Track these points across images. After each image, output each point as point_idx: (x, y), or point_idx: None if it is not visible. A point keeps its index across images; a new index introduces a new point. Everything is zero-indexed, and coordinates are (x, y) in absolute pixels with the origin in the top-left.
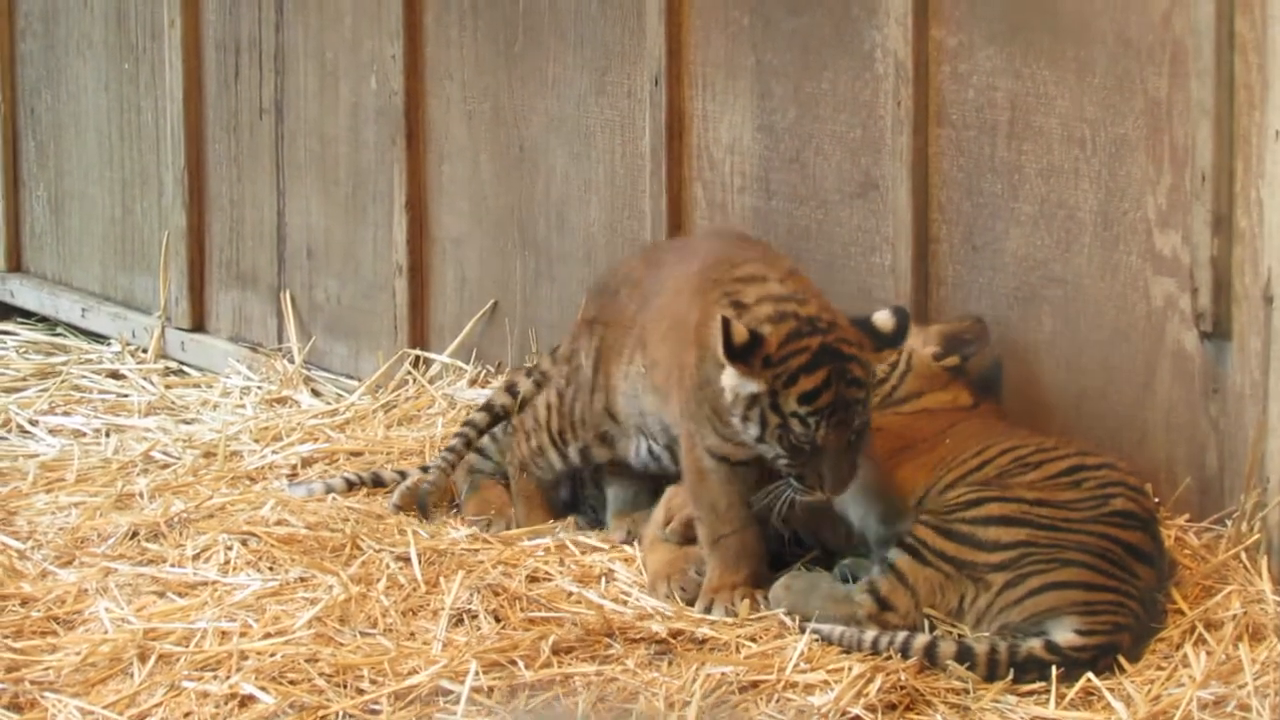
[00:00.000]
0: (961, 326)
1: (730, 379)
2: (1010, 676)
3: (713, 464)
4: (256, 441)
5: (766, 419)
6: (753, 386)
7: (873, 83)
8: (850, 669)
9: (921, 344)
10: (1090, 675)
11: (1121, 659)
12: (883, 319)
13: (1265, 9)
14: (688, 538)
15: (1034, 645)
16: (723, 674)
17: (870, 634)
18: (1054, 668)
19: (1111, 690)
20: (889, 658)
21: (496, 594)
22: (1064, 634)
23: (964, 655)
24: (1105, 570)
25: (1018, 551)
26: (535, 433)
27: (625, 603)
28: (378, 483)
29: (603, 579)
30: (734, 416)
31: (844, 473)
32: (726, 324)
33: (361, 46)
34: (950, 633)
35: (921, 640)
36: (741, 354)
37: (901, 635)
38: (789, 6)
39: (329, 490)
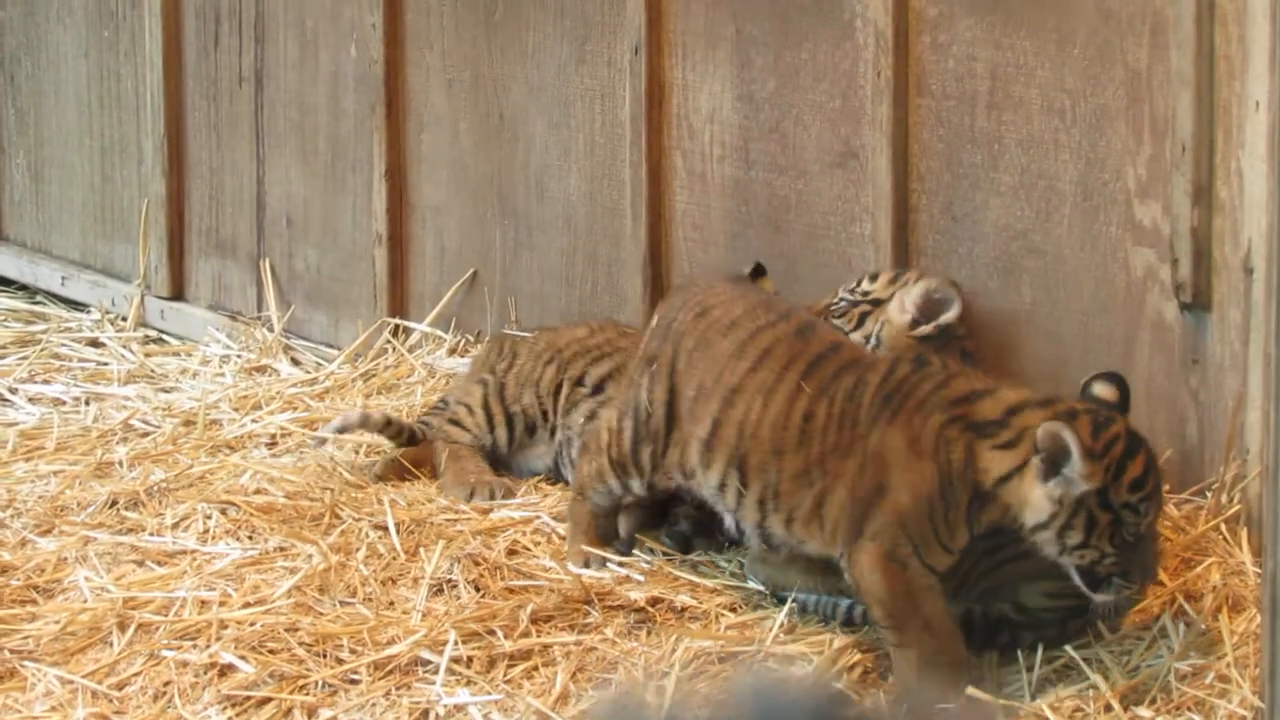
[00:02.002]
0: (938, 285)
1: (1054, 489)
2: (982, 640)
3: (930, 580)
4: (236, 410)
5: (1095, 519)
6: (1084, 486)
7: (853, 52)
8: (831, 641)
9: (898, 305)
10: (1067, 647)
11: (1101, 626)
12: (1105, 390)
13: None
14: None
15: (1004, 608)
16: (702, 645)
17: (845, 603)
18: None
19: (1088, 661)
20: (867, 630)
21: (476, 564)
22: (1034, 598)
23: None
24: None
25: None
26: (596, 456)
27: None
28: (411, 439)
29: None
30: (1045, 530)
31: (1157, 554)
32: (1076, 435)
33: (341, 14)
34: None
35: None
36: (1088, 457)
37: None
38: None
39: (363, 422)
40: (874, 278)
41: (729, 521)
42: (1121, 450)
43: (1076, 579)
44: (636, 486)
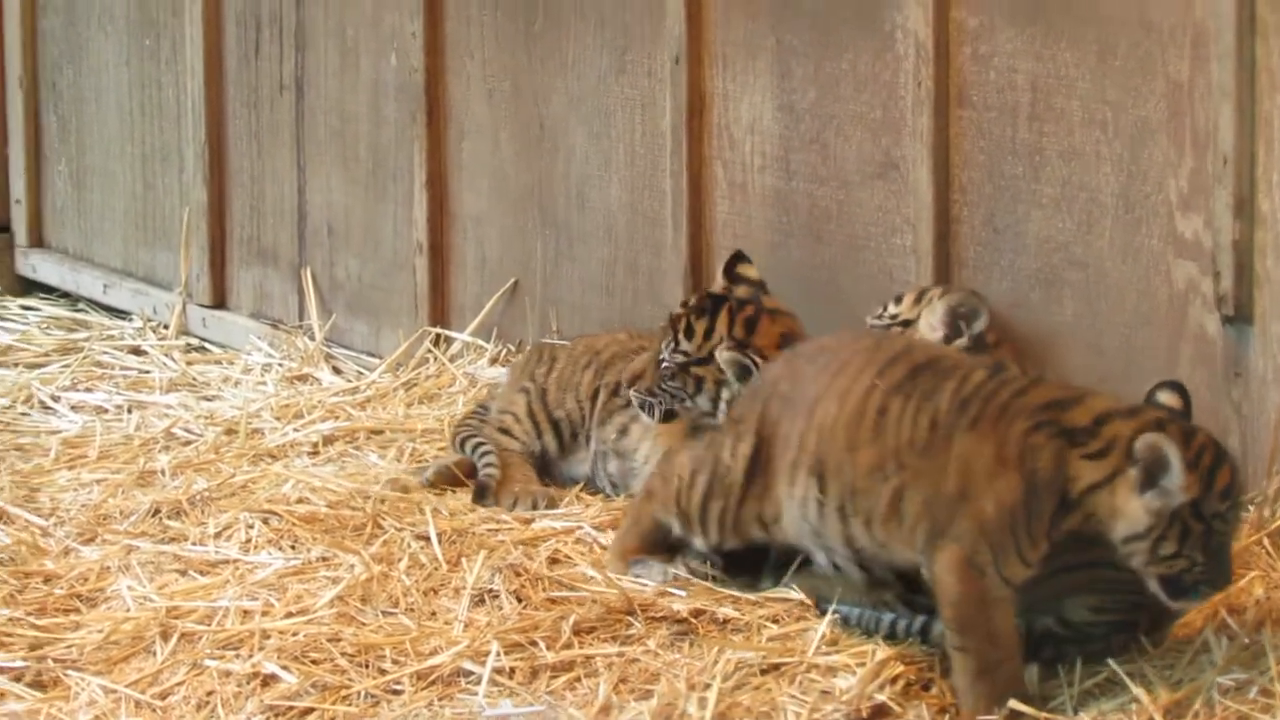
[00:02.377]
0: (963, 297)
1: (1152, 500)
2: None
3: (1005, 592)
4: (278, 419)
5: (1189, 529)
6: (1182, 498)
7: (893, 63)
8: (874, 653)
9: (927, 324)
10: (1110, 661)
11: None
12: (1170, 398)
13: None
14: None
15: (1047, 621)
16: (744, 657)
17: (888, 617)
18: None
19: (1131, 675)
20: (910, 642)
21: (518, 574)
22: (1079, 612)
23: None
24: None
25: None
26: (665, 501)
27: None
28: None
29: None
30: (1140, 540)
31: (1231, 559)
32: (1177, 448)
33: (382, 23)
34: None
35: (940, 626)
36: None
37: (920, 619)
38: None
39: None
40: (898, 300)
41: (820, 558)
42: (1211, 459)
43: (1156, 588)
44: (699, 543)
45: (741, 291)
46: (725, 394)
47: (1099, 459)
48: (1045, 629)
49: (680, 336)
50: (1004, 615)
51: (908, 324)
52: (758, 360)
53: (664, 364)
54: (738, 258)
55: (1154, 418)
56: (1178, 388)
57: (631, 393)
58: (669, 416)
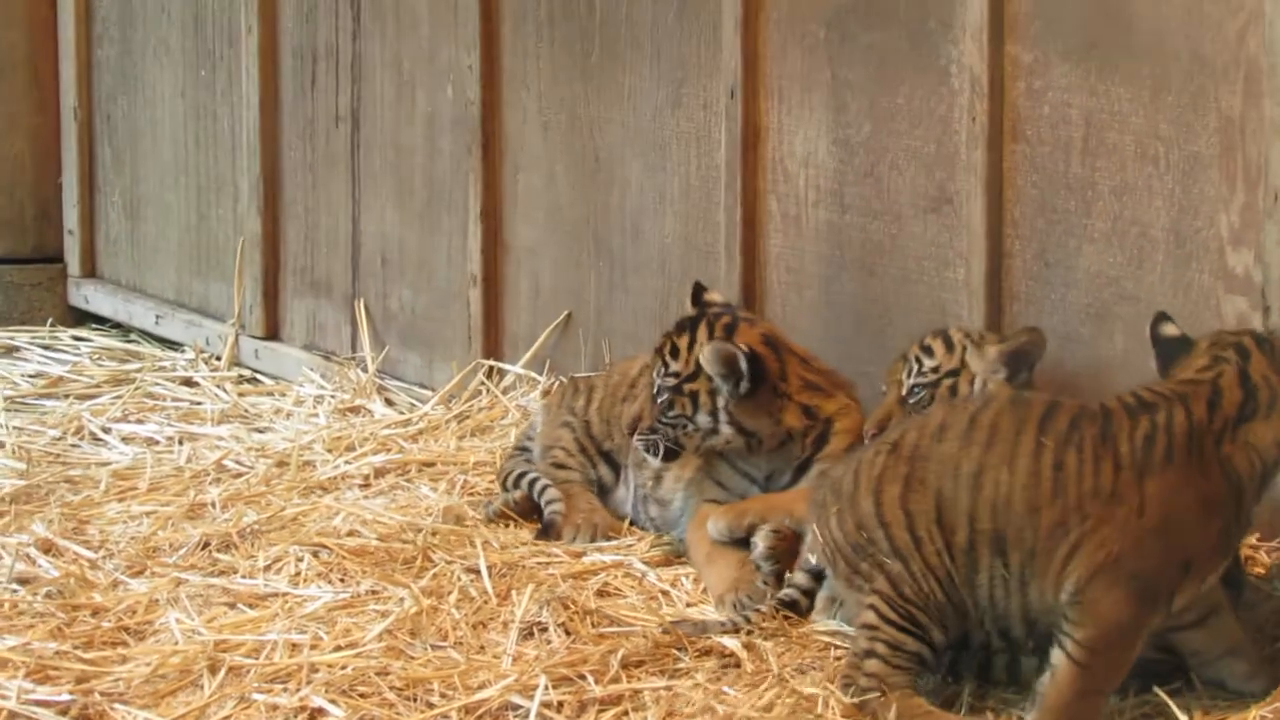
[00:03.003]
0: (1020, 341)
1: None
2: None
3: (1155, 626)
4: (329, 451)
5: None
6: None
7: (948, 98)
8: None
9: (986, 370)
10: (1157, 689)
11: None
12: (1171, 328)
13: None
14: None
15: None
16: (795, 689)
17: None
18: None
19: (1180, 707)
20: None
21: (566, 607)
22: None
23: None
24: None
25: None
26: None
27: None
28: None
29: (667, 592)
30: None
31: None
32: None
33: (438, 56)
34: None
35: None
36: None
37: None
38: (865, 21)
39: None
40: (929, 351)
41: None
42: None
43: None
44: (937, 635)
45: (716, 305)
46: (720, 402)
47: (1271, 413)
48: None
49: (667, 359)
50: (1136, 650)
51: (956, 371)
52: (740, 346)
53: (658, 395)
54: (700, 287)
55: (1251, 337)
56: (1167, 316)
57: (635, 440)
58: (671, 455)
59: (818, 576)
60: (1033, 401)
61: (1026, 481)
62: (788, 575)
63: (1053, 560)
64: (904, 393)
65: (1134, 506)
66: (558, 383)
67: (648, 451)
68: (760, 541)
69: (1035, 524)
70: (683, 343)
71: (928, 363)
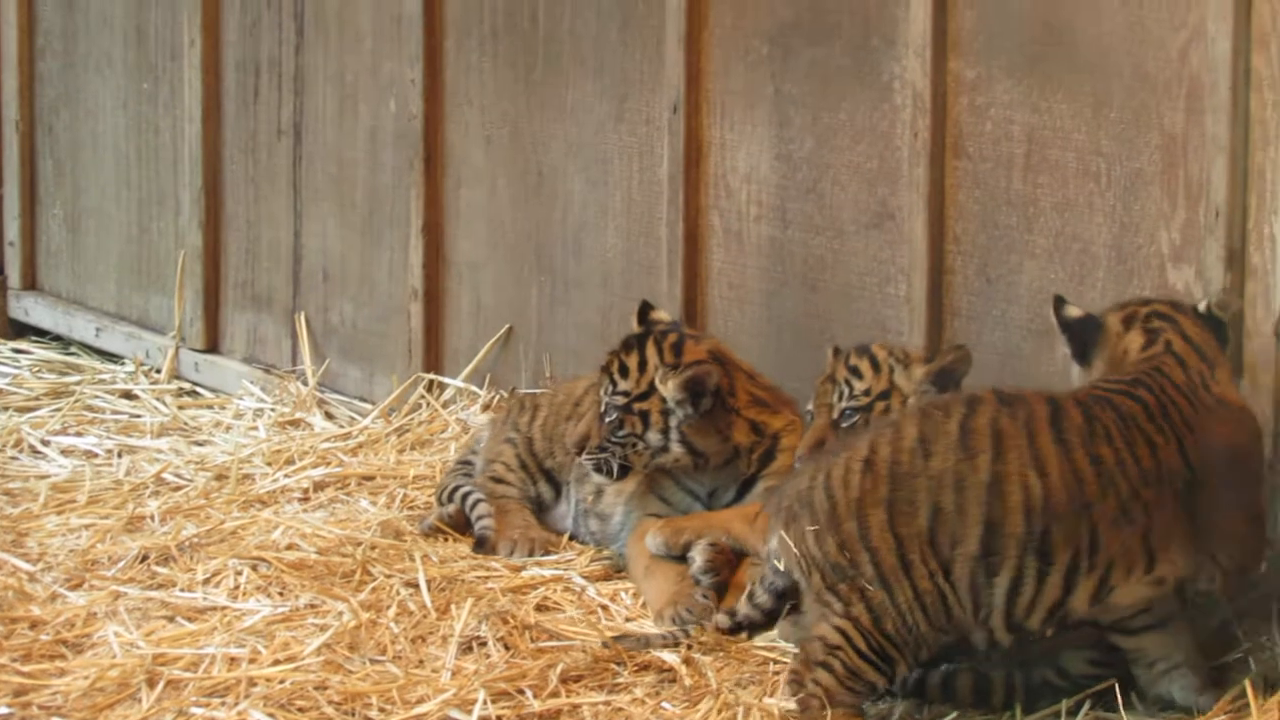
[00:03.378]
0: (947, 360)
1: None
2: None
3: None
4: (269, 464)
5: None
6: None
7: (890, 114)
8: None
9: (914, 389)
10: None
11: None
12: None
13: None
14: (713, 567)
15: (1047, 673)
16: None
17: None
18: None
19: None
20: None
21: (505, 621)
22: (1077, 664)
23: (981, 687)
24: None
25: None
26: (835, 652)
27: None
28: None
29: (606, 606)
30: None
31: None
32: None
33: (381, 70)
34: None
35: (935, 678)
36: None
37: (936, 674)
38: (808, 37)
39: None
40: (856, 373)
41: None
42: None
43: None
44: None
45: (662, 323)
46: (673, 421)
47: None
48: (1044, 679)
49: (616, 377)
50: None
51: (886, 396)
52: (702, 375)
53: (606, 415)
54: (648, 306)
55: (1163, 304)
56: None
57: (583, 459)
58: (625, 470)
59: (780, 595)
60: (1028, 401)
61: (1065, 481)
62: (751, 591)
63: (1126, 549)
64: (836, 416)
65: (1182, 478)
66: (499, 398)
67: (597, 470)
68: (698, 556)
69: (1090, 520)
70: (631, 361)
71: (858, 385)
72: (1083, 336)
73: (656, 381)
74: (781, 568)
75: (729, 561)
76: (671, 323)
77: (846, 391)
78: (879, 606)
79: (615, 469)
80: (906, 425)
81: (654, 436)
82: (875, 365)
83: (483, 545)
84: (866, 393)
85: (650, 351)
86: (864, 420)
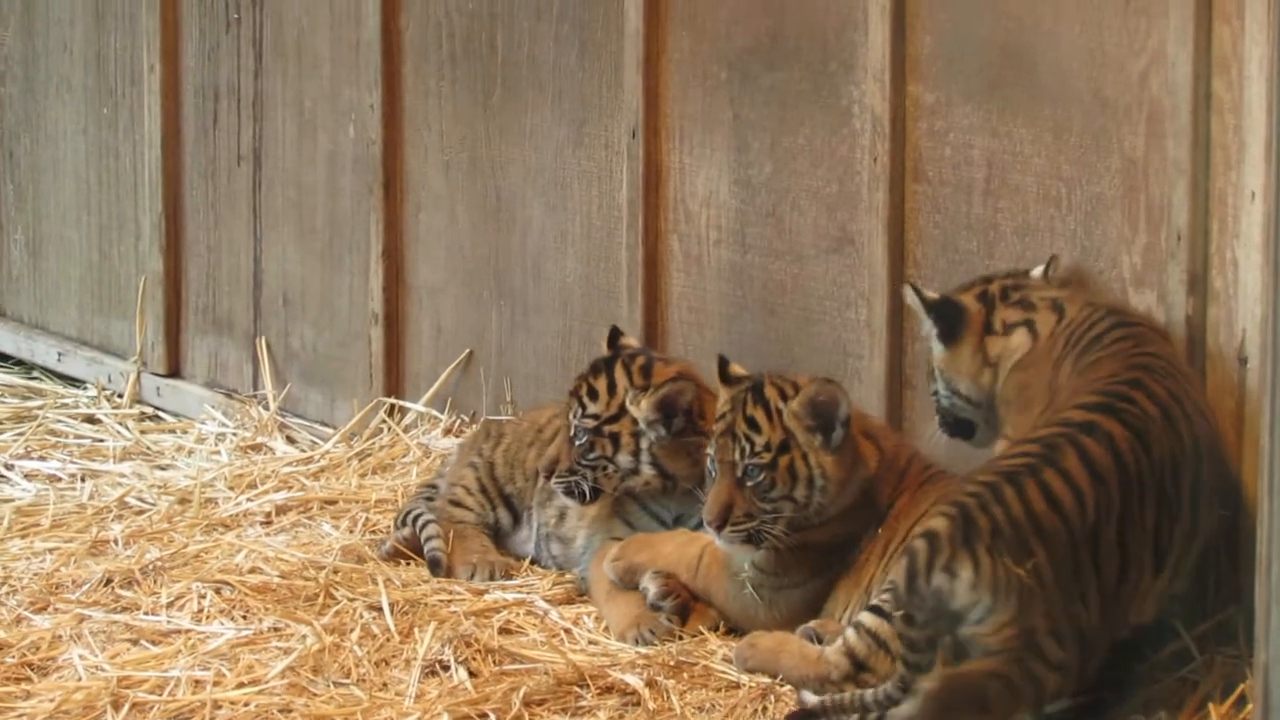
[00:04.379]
0: (819, 392)
1: None
2: None
3: None
4: (231, 489)
5: None
6: None
7: (850, 138)
8: None
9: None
10: None
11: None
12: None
13: (1242, 70)
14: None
15: None
16: None
17: (848, 695)
18: None
19: None
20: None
21: (469, 645)
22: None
23: None
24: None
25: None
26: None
27: (597, 652)
28: None
29: (569, 630)
30: None
31: None
32: None
33: (340, 95)
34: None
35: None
36: None
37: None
38: (767, 62)
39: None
40: (756, 427)
41: None
42: None
43: None
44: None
45: (631, 348)
46: (644, 443)
47: None
48: None
49: (585, 400)
50: None
51: (786, 448)
52: (675, 394)
53: (576, 438)
54: (617, 332)
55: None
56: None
57: (553, 483)
58: (596, 494)
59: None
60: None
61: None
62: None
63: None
64: (740, 474)
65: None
66: (460, 423)
67: (567, 494)
68: (650, 585)
69: None
70: (600, 385)
71: (759, 440)
72: (949, 317)
73: (628, 403)
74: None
75: (681, 586)
76: (641, 348)
77: (748, 449)
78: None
79: (586, 492)
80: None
81: (624, 459)
82: (769, 414)
83: (437, 567)
84: (767, 447)
85: (619, 374)
86: (770, 480)
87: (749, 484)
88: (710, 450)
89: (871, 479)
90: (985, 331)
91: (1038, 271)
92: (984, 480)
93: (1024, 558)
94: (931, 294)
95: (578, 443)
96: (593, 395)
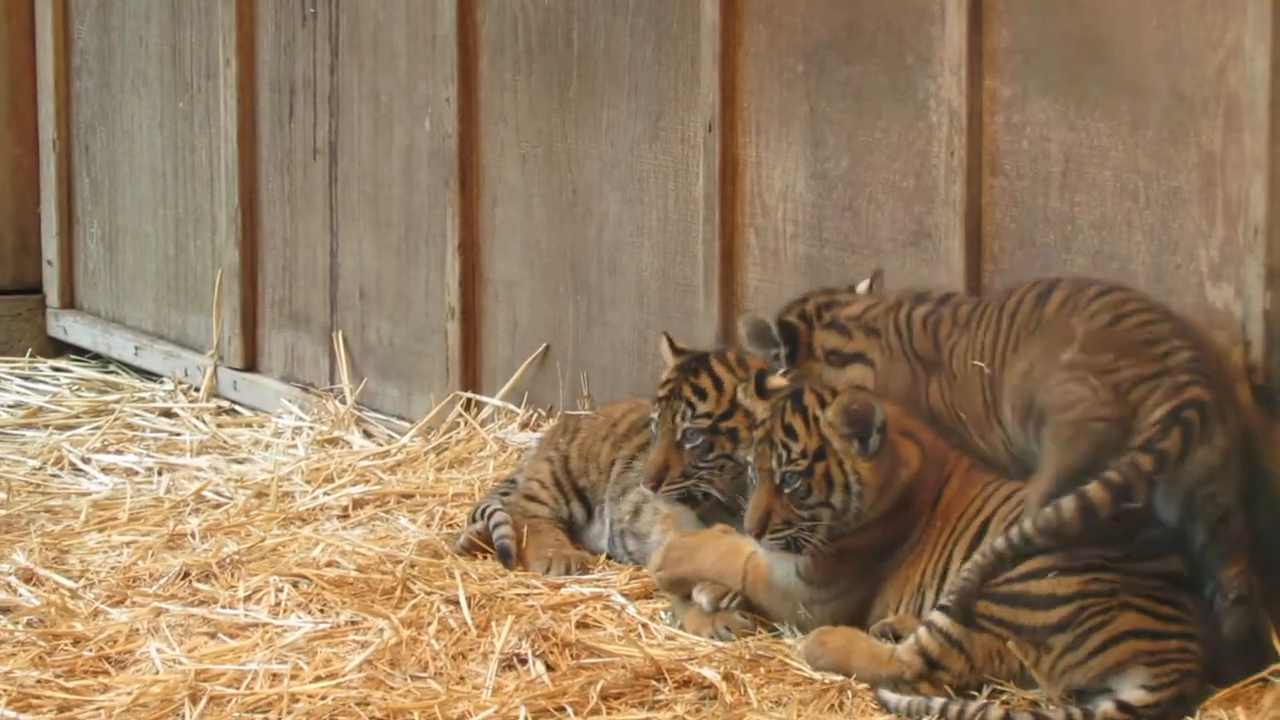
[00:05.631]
0: (852, 400)
1: None
2: None
3: None
4: (308, 482)
5: None
6: None
7: (926, 132)
8: None
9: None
10: None
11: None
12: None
13: None
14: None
15: (1107, 709)
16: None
17: (939, 702)
18: None
19: None
20: None
21: (546, 638)
22: (1134, 692)
23: None
24: (1161, 613)
25: (1074, 605)
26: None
27: (674, 646)
28: None
29: (646, 625)
30: None
31: None
32: None
33: (416, 89)
34: (1021, 702)
35: (996, 713)
36: None
37: (973, 706)
38: (843, 55)
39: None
40: (792, 434)
41: None
42: None
43: None
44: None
45: (690, 351)
46: (756, 434)
47: None
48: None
49: (693, 401)
50: None
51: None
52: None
53: (690, 441)
54: (672, 341)
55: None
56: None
57: (663, 491)
58: (708, 496)
59: None
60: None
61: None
62: None
63: None
64: (778, 482)
65: None
66: (536, 417)
67: (682, 501)
68: (703, 597)
69: None
70: (704, 383)
71: (795, 448)
72: (793, 340)
73: (740, 396)
74: None
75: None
76: (714, 346)
77: (785, 455)
78: None
79: (710, 494)
80: None
81: (742, 455)
82: (807, 421)
83: (506, 556)
84: (804, 454)
85: (720, 370)
86: (806, 487)
87: (786, 491)
88: (750, 457)
89: (914, 479)
90: (809, 358)
91: (863, 286)
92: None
93: None
94: (767, 318)
95: (690, 445)
96: (700, 394)
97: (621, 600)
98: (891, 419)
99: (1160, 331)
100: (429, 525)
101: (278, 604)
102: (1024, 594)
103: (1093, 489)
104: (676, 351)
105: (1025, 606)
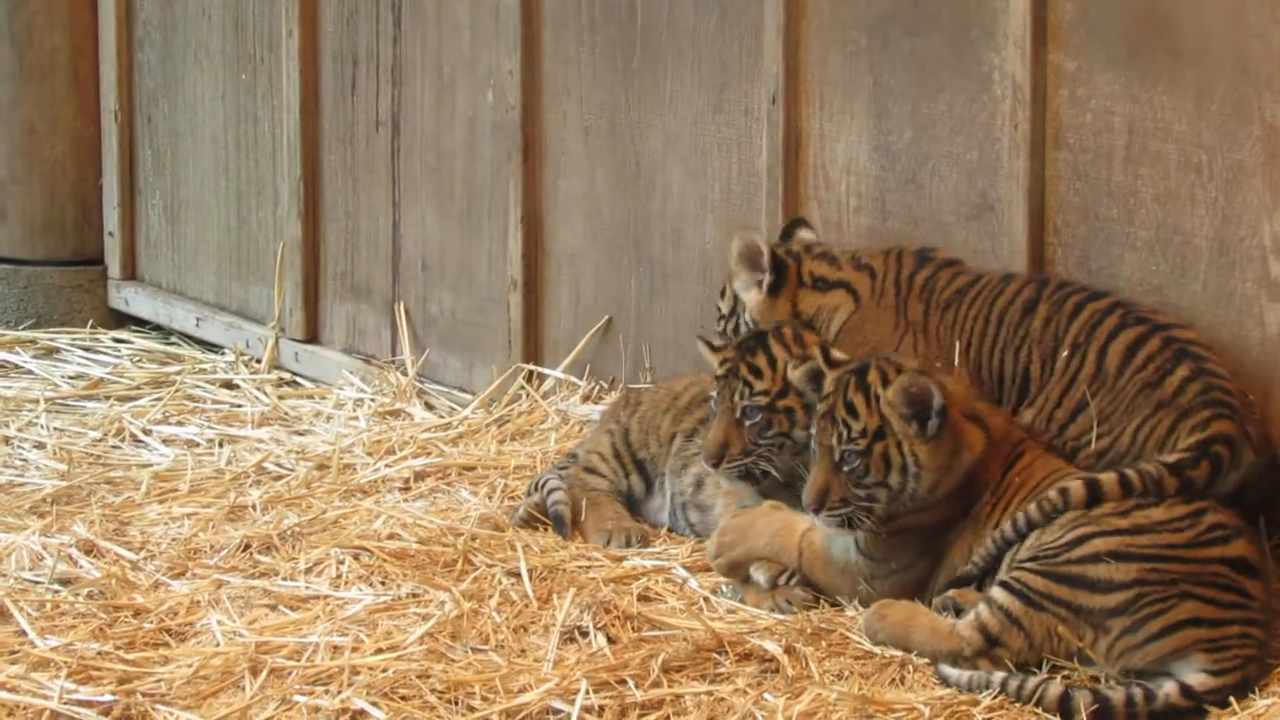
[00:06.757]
0: (911, 383)
1: None
2: None
3: None
4: (369, 454)
5: None
6: None
7: (990, 105)
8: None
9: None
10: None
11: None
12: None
13: None
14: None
15: (1169, 691)
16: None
17: (999, 676)
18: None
19: None
20: (1020, 703)
21: (607, 611)
22: (1195, 675)
23: (1103, 709)
24: (1223, 601)
25: (1133, 591)
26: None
27: (736, 619)
28: None
29: (708, 598)
30: None
31: None
32: None
33: (479, 61)
34: (1082, 680)
35: (1056, 689)
36: None
37: (1034, 681)
38: (907, 27)
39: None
40: (853, 412)
41: None
42: None
43: None
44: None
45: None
46: (820, 408)
47: None
48: (1169, 705)
49: (750, 380)
50: None
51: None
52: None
53: (749, 418)
54: (710, 342)
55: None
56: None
57: (724, 468)
58: (766, 475)
59: None
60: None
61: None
62: None
63: None
64: (837, 459)
65: None
66: (598, 389)
67: (743, 479)
68: (760, 576)
69: None
70: (760, 361)
71: (855, 426)
72: (781, 271)
73: (789, 373)
74: None
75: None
76: (772, 322)
77: (845, 434)
78: None
79: (769, 472)
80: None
81: (801, 433)
82: (869, 400)
83: (561, 524)
84: (864, 433)
85: (775, 348)
86: (865, 467)
87: (845, 469)
88: (813, 431)
89: (976, 463)
90: (797, 284)
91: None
92: None
93: None
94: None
95: (749, 423)
96: (755, 373)
97: (683, 573)
98: (958, 401)
99: (1166, 364)
100: (490, 498)
101: (339, 576)
102: (1083, 576)
103: (1106, 478)
104: (714, 350)
105: (1085, 588)
